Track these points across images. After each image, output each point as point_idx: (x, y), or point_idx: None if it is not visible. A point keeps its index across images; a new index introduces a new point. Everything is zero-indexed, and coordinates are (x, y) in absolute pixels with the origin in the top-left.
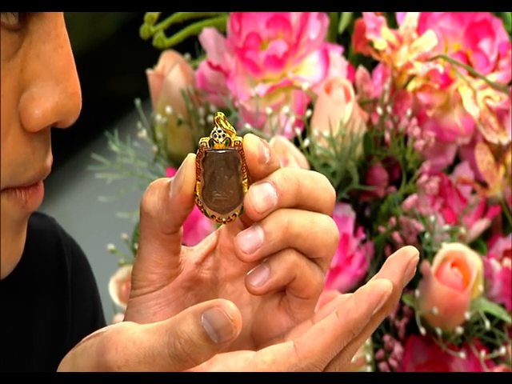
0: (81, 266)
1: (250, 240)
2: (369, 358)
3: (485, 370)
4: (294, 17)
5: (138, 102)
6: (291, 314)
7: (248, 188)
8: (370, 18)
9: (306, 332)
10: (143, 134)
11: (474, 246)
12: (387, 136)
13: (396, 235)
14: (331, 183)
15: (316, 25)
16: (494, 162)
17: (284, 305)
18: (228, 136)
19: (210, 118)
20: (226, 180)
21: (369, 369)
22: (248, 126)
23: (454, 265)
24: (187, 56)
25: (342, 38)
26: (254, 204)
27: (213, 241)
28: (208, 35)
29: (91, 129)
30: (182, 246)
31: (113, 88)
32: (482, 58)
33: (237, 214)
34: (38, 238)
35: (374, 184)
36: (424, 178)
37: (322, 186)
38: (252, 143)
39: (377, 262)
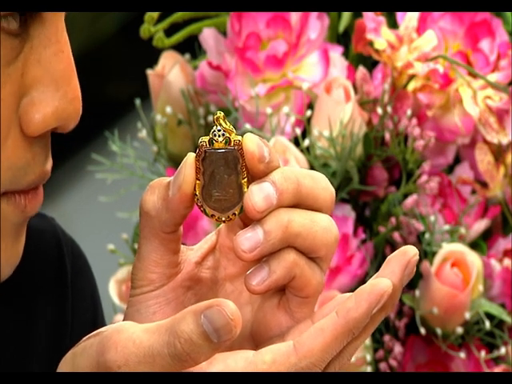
0: (81, 266)
1: (249, 239)
2: (369, 357)
3: (485, 369)
4: (294, 17)
5: (138, 101)
6: (291, 313)
7: (247, 187)
8: (370, 18)
9: (306, 331)
10: (143, 134)
11: (474, 246)
12: (387, 136)
13: (396, 235)
14: (331, 183)
15: (316, 25)
16: (494, 162)
17: (284, 304)
18: (228, 135)
19: (210, 118)
20: (225, 179)
21: (369, 369)
22: (248, 126)
23: (454, 265)
24: (187, 56)
25: (342, 38)
26: (254, 203)
27: (212, 240)
28: (208, 35)
29: (91, 129)
30: (182, 246)
31: (113, 88)
32: (482, 58)
33: (236, 213)
34: (37, 238)
35: (374, 184)
36: (424, 177)
37: (321, 186)
38: (252, 142)
39: (377, 261)
